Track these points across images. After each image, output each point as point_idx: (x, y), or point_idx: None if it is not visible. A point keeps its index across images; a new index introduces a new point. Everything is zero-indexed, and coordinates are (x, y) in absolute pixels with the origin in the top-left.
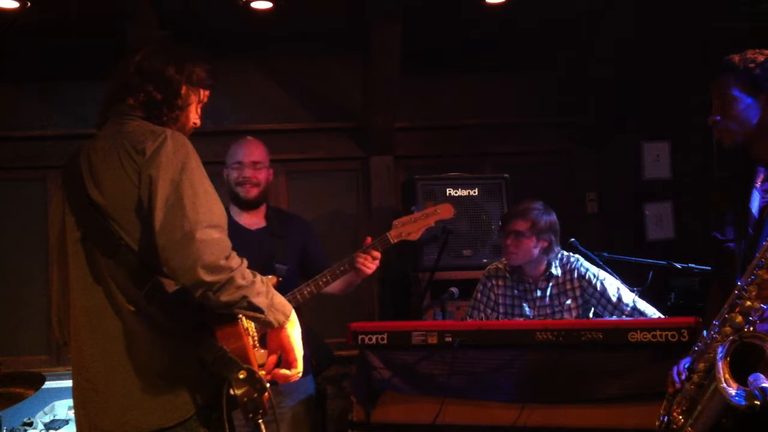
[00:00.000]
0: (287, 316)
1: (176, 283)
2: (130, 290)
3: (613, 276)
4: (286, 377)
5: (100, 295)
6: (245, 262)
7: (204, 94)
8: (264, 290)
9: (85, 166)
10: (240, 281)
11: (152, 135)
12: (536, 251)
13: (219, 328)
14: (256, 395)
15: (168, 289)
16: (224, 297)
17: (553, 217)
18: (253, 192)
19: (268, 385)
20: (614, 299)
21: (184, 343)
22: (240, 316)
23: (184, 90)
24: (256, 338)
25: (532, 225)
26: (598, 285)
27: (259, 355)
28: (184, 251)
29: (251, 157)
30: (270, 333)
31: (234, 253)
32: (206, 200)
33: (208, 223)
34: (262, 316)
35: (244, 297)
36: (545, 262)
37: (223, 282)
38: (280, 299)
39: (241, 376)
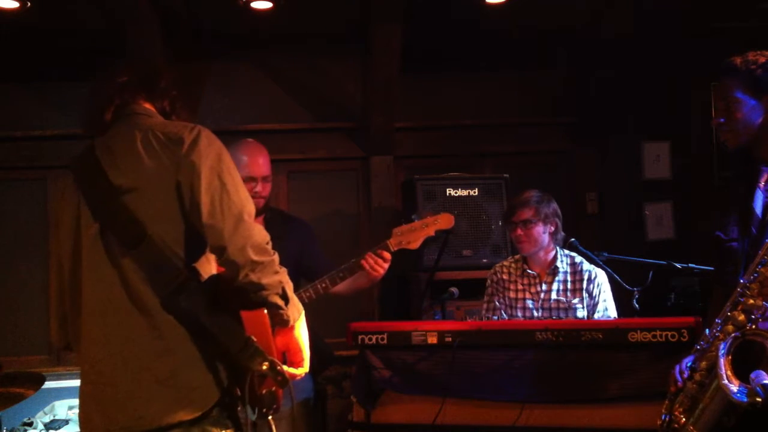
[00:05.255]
0: (300, 315)
1: (221, 264)
2: (154, 281)
3: (614, 275)
4: (292, 376)
5: (117, 288)
6: (277, 254)
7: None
8: (290, 283)
9: (106, 159)
10: (277, 267)
11: (186, 127)
12: (546, 237)
13: (246, 318)
14: (274, 388)
15: (197, 278)
16: (265, 279)
17: (554, 202)
18: (261, 204)
19: (288, 378)
20: (595, 316)
21: (206, 333)
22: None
23: (179, 104)
24: None
25: (537, 211)
26: (596, 296)
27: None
28: (235, 231)
29: (263, 171)
30: (277, 332)
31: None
32: (242, 189)
33: (248, 210)
34: (285, 309)
35: (280, 282)
36: (554, 249)
37: (266, 264)
38: (296, 297)
39: (264, 368)
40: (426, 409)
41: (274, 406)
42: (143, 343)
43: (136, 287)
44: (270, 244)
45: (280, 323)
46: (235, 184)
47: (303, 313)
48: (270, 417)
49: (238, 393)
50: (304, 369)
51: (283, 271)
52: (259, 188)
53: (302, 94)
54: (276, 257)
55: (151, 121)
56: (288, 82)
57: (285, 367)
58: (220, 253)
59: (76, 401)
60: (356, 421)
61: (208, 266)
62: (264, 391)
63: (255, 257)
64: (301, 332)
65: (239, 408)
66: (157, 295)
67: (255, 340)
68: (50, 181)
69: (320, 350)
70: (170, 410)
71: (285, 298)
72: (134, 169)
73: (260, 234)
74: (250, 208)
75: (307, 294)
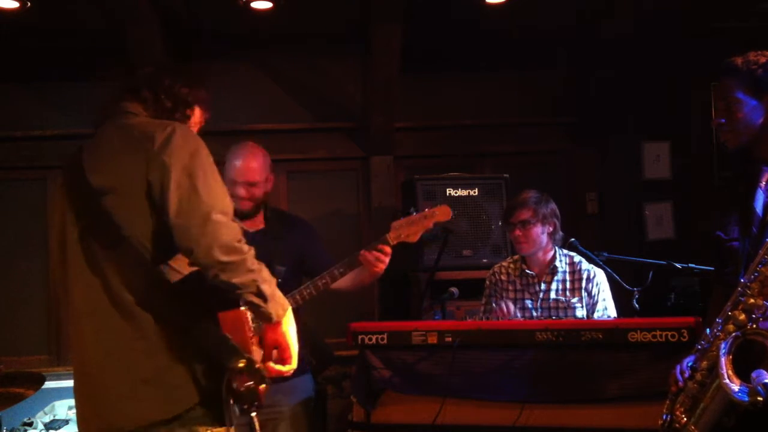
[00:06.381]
0: (285, 311)
1: (191, 264)
2: (131, 281)
3: (614, 275)
4: (279, 372)
5: (98, 289)
6: (253, 250)
7: (203, 117)
8: (269, 279)
9: (88, 160)
10: (251, 265)
11: (161, 125)
12: (544, 237)
13: (222, 317)
14: (253, 385)
15: (170, 278)
16: (236, 278)
17: (552, 202)
18: (246, 206)
19: (266, 376)
20: (595, 315)
21: (186, 333)
22: (244, 309)
23: (191, 100)
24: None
25: (535, 212)
26: (595, 296)
27: (255, 351)
28: (201, 231)
29: (244, 176)
30: (266, 328)
31: (244, 239)
32: (216, 187)
33: (222, 209)
34: (265, 306)
35: (254, 281)
36: (552, 249)
37: (236, 263)
38: (280, 294)
39: (241, 365)
40: (426, 409)
41: (256, 403)
42: (127, 343)
43: (117, 289)
44: (243, 241)
45: (264, 320)
46: (207, 183)
47: (289, 309)
48: (254, 414)
49: (221, 390)
50: (292, 366)
51: (260, 268)
52: (241, 192)
53: (302, 94)
54: (249, 255)
55: (134, 120)
56: (288, 82)
57: (273, 365)
58: (188, 253)
59: None
60: (356, 421)
61: (185, 264)
62: (242, 389)
63: (222, 257)
64: (289, 329)
65: (232, 404)
66: (137, 295)
67: (230, 338)
68: (50, 181)
69: (320, 350)
70: (155, 409)
71: (261, 296)
72: (111, 170)
73: (229, 233)
74: (224, 206)
75: (308, 291)
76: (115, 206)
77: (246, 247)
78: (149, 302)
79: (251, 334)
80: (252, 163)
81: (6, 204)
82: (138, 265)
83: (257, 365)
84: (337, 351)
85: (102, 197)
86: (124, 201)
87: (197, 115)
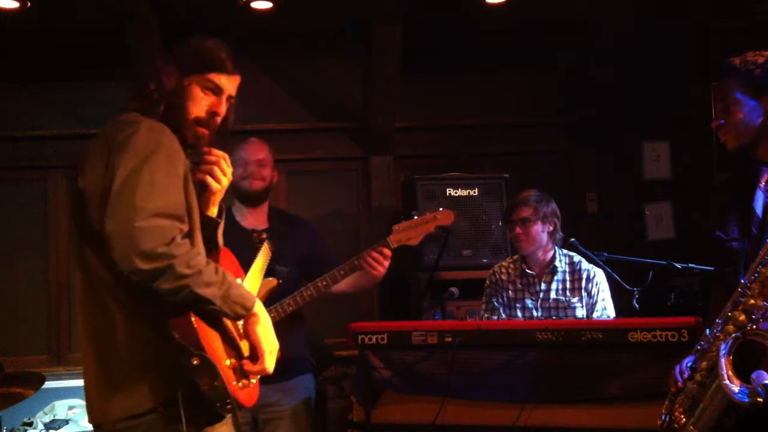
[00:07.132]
0: (248, 310)
1: (120, 270)
2: (107, 282)
3: (614, 275)
4: (251, 372)
5: (84, 289)
6: (196, 250)
7: (211, 79)
8: (217, 280)
9: (81, 161)
10: (182, 270)
11: (127, 124)
12: (544, 236)
13: (171, 315)
14: (210, 382)
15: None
16: (165, 285)
17: (553, 202)
18: (257, 185)
19: (219, 371)
20: (594, 315)
21: (151, 331)
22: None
23: (175, 76)
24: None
25: (536, 210)
26: (595, 295)
27: (243, 348)
28: (123, 238)
29: (256, 155)
30: (243, 325)
31: (183, 241)
32: (164, 189)
33: (156, 212)
34: (215, 307)
35: (186, 286)
36: (552, 249)
37: (161, 269)
38: (239, 291)
39: (195, 363)
40: (426, 409)
41: (228, 401)
42: (101, 341)
43: (95, 288)
44: (174, 243)
45: (227, 318)
46: (151, 185)
47: (258, 305)
48: (235, 411)
49: (191, 389)
50: (263, 366)
51: (196, 271)
52: (252, 168)
53: (302, 94)
54: (181, 259)
55: (119, 118)
56: (288, 82)
57: (249, 364)
58: (114, 260)
59: (76, 401)
60: (356, 421)
61: None
62: (206, 387)
63: (142, 266)
64: (258, 327)
65: (221, 405)
66: (112, 295)
67: (177, 336)
68: (50, 181)
69: (320, 350)
70: (123, 404)
71: (201, 299)
72: (85, 170)
73: (154, 238)
74: (163, 206)
75: (308, 292)
76: (91, 206)
77: (180, 250)
78: (121, 302)
79: (236, 333)
80: (257, 145)
81: (6, 204)
82: (110, 264)
83: (211, 362)
84: (337, 351)
85: (84, 197)
86: (93, 201)
87: (192, 86)
